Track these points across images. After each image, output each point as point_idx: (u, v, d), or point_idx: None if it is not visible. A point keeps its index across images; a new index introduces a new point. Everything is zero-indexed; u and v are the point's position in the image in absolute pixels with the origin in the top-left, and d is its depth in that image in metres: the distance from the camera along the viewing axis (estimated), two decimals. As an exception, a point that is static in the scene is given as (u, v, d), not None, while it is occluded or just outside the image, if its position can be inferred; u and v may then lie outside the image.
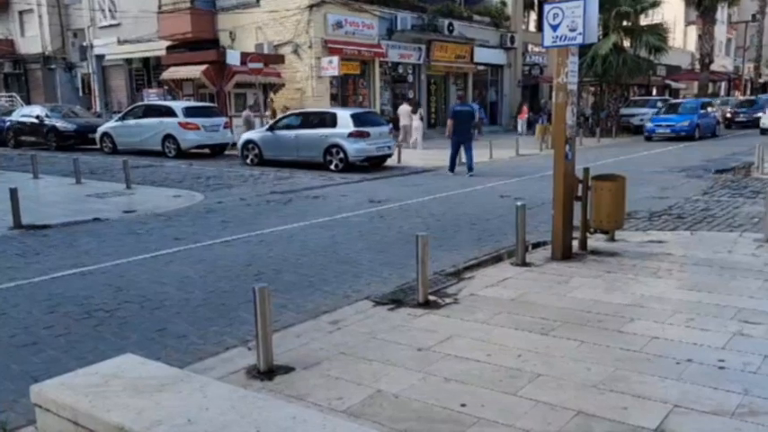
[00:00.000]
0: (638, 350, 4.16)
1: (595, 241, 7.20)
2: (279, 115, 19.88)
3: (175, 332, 4.91)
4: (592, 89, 33.29)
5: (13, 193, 8.97)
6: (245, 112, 20.51)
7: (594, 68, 26.98)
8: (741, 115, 32.87)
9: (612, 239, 7.32)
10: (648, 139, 25.66)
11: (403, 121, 23.17)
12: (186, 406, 2.54)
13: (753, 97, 39.27)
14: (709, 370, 3.85)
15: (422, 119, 23.46)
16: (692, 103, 28.26)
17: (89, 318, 5.24)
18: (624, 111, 30.66)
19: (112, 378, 2.80)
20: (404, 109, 23.59)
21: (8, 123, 23.29)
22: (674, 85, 45.49)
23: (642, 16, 28.85)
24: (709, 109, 28.10)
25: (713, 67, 41.86)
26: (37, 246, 7.89)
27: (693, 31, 46.70)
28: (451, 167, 15.32)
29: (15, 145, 22.76)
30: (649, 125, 26.33)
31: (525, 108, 30.67)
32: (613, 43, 26.82)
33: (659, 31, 28.97)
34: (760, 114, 29.35)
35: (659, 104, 30.32)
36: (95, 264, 6.95)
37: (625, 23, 28.19)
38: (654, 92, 42.41)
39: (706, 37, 37.96)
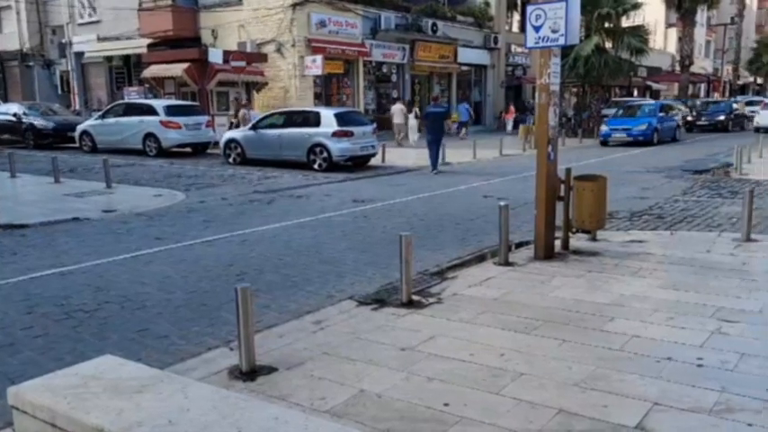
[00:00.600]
0: (618, 349, 4.20)
1: (577, 241, 7.25)
2: (241, 115, 19.83)
3: (156, 333, 4.87)
4: (574, 90, 33.52)
5: (-9, 191, 8.83)
6: (242, 111, 20.22)
7: (577, 69, 27.19)
8: (703, 118, 31.30)
9: (594, 239, 7.39)
10: (604, 144, 23.46)
11: (396, 120, 23.28)
12: (167, 407, 2.52)
13: (716, 98, 38.65)
14: (688, 368, 3.89)
15: (417, 117, 23.65)
16: (651, 106, 26.47)
17: (68, 318, 5.17)
18: (606, 111, 30.92)
19: (92, 379, 2.76)
20: (397, 108, 23.76)
21: (-16, 121, 22.92)
22: (654, 86, 46.03)
23: (624, 18, 29.11)
24: (671, 112, 27.01)
25: (693, 68, 42.41)
26: (14, 246, 7.77)
27: (674, 34, 47.30)
28: (434, 167, 15.58)
29: (-8, 143, 22.42)
30: (604, 129, 24.02)
31: (512, 108, 30.91)
32: (595, 44, 27.05)
33: (640, 32, 29.30)
34: (721, 117, 28.91)
35: (617, 107, 28.53)
36: (75, 264, 6.86)
37: (607, 25, 28.44)
38: (635, 93, 42.87)
39: (686, 39, 38.48)
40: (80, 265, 6.79)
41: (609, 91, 37.07)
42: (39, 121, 21.57)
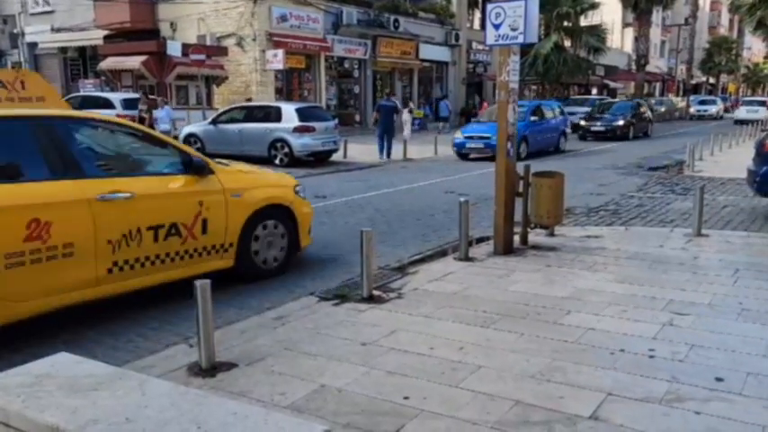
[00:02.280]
0: (574, 341, 4.31)
1: (536, 236, 7.39)
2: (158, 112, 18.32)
3: (112, 330, 4.78)
4: (534, 87, 34.06)
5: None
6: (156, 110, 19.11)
7: (536, 67, 27.72)
8: (598, 123, 25.71)
9: (552, 234, 7.54)
10: (462, 156, 18.14)
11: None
12: (124, 404, 2.48)
13: (611, 99, 33.23)
14: (641, 359, 4.02)
15: (411, 112, 24.43)
16: (520, 108, 18.93)
17: (21, 316, 5.04)
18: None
19: (46, 377, 2.70)
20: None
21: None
22: (611, 84, 47.10)
23: (582, 17, 29.75)
24: (550, 115, 20.41)
25: (649, 68, 43.53)
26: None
27: (630, 33, 48.49)
28: (381, 154, 17.34)
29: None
30: (458, 138, 18.41)
31: (485, 104, 31.21)
32: (554, 43, 27.62)
33: (598, 32, 30.01)
34: (620, 122, 24.99)
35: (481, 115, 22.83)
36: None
37: (566, 24, 29.05)
38: (594, 91, 43.77)
39: (642, 39, 39.45)
40: None
41: (567, 89, 37.82)
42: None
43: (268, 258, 6.10)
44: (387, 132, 17.65)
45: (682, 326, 4.59)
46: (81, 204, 4.65)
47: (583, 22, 30.65)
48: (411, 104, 25.78)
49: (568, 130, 22.09)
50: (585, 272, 6.04)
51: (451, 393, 3.56)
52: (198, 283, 3.78)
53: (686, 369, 3.86)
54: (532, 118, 18.96)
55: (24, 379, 2.69)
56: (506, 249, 6.75)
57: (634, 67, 43.81)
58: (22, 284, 4.36)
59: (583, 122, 26.02)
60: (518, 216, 7.01)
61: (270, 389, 3.61)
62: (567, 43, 29.73)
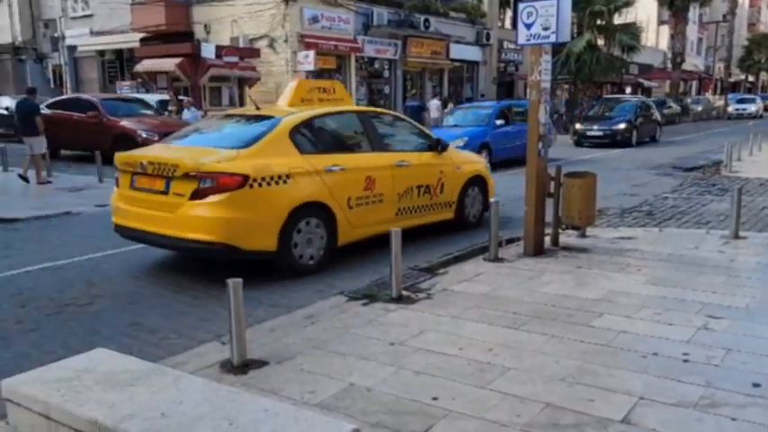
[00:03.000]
0: (605, 344, 4.26)
1: (567, 237, 7.32)
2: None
3: (149, 327, 4.90)
4: (566, 86, 33.66)
5: (-18, 185, 8.83)
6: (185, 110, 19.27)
7: (569, 66, 27.33)
8: (595, 127, 22.05)
9: (584, 236, 7.46)
10: None
11: (433, 114, 23.68)
12: (159, 399, 2.55)
13: (620, 97, 29.83)
14: (674, 363, 3.96)
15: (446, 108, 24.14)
16: (484, 111, 16.64)
17: (60, 312, 5.20)
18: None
19: (85, 372, 2.79)
20: (434, 103, 24.43)
21: (-25, 115, 22.75)
22: (646, 83, 46.27)
23: (616, 15, 29.24)
24: (516, 119, 16.34)
25: (685, 66, 42.69)
26: (7, 239, 7.76)
27: (666, 31, 47.50)
28: None
29: (-17, 136, 22.24)
30: None
31: None
32: (587, 42, 27.19)
33: (632, 30, 29.47)
34: (621, 126, 21.53)
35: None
36: (67, 258, 6.87)
37: (599, 22, 28.58)
38: (628, 90, 43.05)
39: (678, 36, 38.70)
40: (73, 259, 6.80)
41: (600, 88, 37.29)
42: (30, 115, 21.42)
43: (473, 213, 8.50)
44: None
45: (717, 330, 4.51)
46: (387, 169, 7.04)
47: (617, 20, 30.13)
48: (450, 105, 25.60)
49: (551, 136, 16.44)
50: (617, 274, 5.97)
51: (480, 394, 3.55)
52: (230, 281, 3.85)
53: (721, 374, 3.79)
54: (498, 122, 15.84)
55: (64, 373, 2.79)
56: (537, 250, 6.71)
57: (670, 65, 43.00)
58: (358, 218, 6.68)
59: (578, 126, 22.34)
60: (549, 217, 6.96)
61: (300, 387, 3.66)
62: (601, 42, 29.26)
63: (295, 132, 6.37)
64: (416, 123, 8.66)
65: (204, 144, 6.56)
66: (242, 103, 22.78)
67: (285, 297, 5.56)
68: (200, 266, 6.56)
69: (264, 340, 4.36)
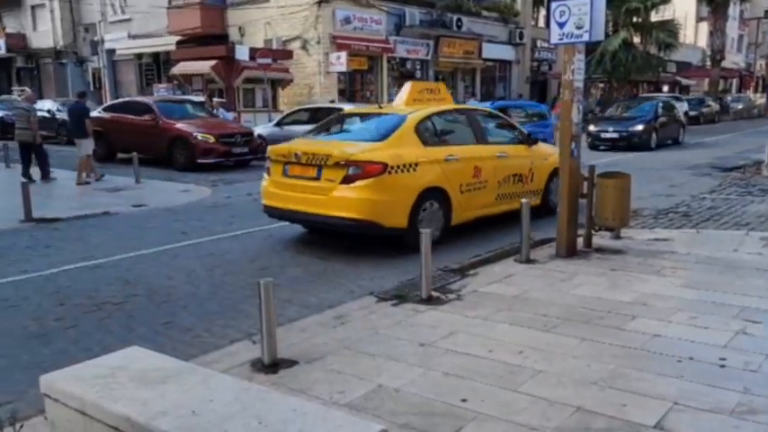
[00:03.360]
0: (639, 348, 4.19)
1: (600, 239, 7.21)
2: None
3: (182, 325, 4.98)
4: (600, 85, 33.17)
5: (25, 186, 9.11)
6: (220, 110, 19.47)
7: (604, 65, 26.90)
8: (611, 129, 20.22)
9: (618, 237, 7.33)
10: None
11: None
12: (190, 398, 2.60)
13: (646, 96, 27.68)
14: (710, 368, 3.87)
15: None
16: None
17: (97, 310, 5.32)
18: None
19: (119, 370, 2.86)
20: (471, 103, 24.46)
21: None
22: (684, 81, 45.28)
23: (653, 12, 28.71)
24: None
25: (725, 63, 41.64)
26: (47, 239, 7.98)
27: (705, 28, 46.41)
28: None
29: (26, 139, 22.87)
30: None
31: (560, 102, 30.61)
32: (623, 40, 26.75)
33: (670, 27, 28.90)
34: (639, 127, 19.95)
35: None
36: (105, 257, 7.03)
37: (635, 20, 28.11)
38: (665, 89, 42.22)
39: (717, 33, 37.77)
40: (109, 259, 6.96)
41: (636, 87, 36.64)
42: (71, 118, 21.97)
43: (554, 201, 8.64)
44: None
45: (756, 334, 4.39)
46: (490, 159, 7.98)
47: (654, 17, 29.59)
48: (488, 104, 25.88)
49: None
50: (652, 276, 5.86)
51: (510, 397, 3.53)
52: (261, 281, 3.89)
53: (760, 380, 3.69)
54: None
55: (100, 371, 2.85)
56: (569, 252, 6.62)
57: (709, 62, 41.99)
58: (468, 202, 7.63)
59: (592, 127, 20.40)
60: (582, 218, 6.86)
61: (329, 387, 3.68)
62: (637, 39, 28.76)
63: (419, 127, 7.37)
64: (509, 119, 9.96)
65: (345, 138, 7.69)
66: (275, 105, 23.00)
67: (316, 297, 5.60)
68: (232, 267, 6.66)
69: (295, 340, 4.40)
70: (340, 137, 7.79)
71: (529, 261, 6.41)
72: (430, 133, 7.61)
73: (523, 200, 6.54)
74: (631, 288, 5.50)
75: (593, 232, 7.04)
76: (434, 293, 5.34)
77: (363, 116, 8.56)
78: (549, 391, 3.59)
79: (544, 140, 17.93)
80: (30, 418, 3.25)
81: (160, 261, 6.93)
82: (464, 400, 3.48)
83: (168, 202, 10.66)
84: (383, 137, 7.11)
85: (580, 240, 6.90)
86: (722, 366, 3.89)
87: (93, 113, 15.57)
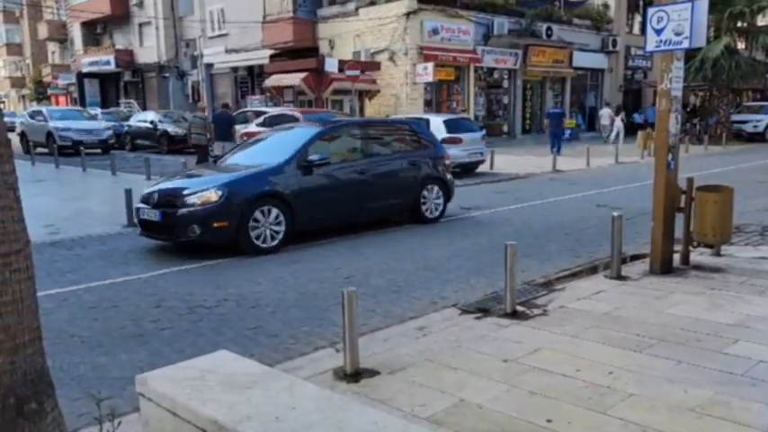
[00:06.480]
0: (741, 374, 3.91)
1: (699, 256, 6.81)
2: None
3: (268, 331, 5.12)
4: (700, 93, 31.48)
5: (128, 193, 9.68)
6: None
7: (704, 72, 25.48)
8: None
9: (718, 254, 6.91)
10: None
11: (603, 122, 27.57)
12: (275, 404, 2.65)
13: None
14: (823, 400, 3.55)
15: (623, 121, 26.27)
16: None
17: (191, 313, 5.56)
18: (736, 117, 28.69)
19: (208, 373, 2.96)
20: (605, 111, 27.98)
21: (126, 128, 25.12)
22: (794, 89, 42.12)
23: (759, 16, 26.95)
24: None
25: (843, 69, 38.38)
26: (146, 243, 8.43)
27: (819, 31, 43.01)
28: (552, 149, 20.23)
29: (132, 148, 24.44)
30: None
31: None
32: (725, 45, 25.22)
33: (779, 31, 27.01)
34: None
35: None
36: (197, 261, 7.34)
37: (739, 24, 26.49)
38: (772, 96, 39.44)
39: (832, 36, 34.92)
40: (202, 263, 7.26)
41: (740, 95, 34.50)
42: (171, 128, 23.28)
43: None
44: (554, 135, 21.06)
45: None
46: None
47: (760, 21, 27.78)
48: (623, 114, 27.17)
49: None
50: (757, 297, 5.47)
51: (598, 420, 3.38)
52: (344, 291, 3.93)
53: None
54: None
55: (190, 373, 2.97)
56: (664, 269, 6.30)
57: (824, 68, 38.90)
58: None
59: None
60: (678, 233, 6.51)
61: (410, 399, 3.66)
62: (741, 45, 27.09)
63: None
64: None
65: None
66: (362, 115, 23.33)
67: (398, 307, 5.61)
68: (317, 275, 6.78)
69: (377, 349, 4.42)
70: None
71: (620, 277, 6.15)
72: None
73: (615, 213, 6.27)
74: (733, 309, 5.16)
75: (690, 248, 6.67)
76: (519, 308, 5.22)
77: None
78: (641, 415, 3.41)
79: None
80: (126, 415, 3.43)
81: (248, 268, 7.15)
82: (549, 421, 3.37)
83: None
84: None
85: (676, 257, 6.55)
86: (838, 399, 3.57)
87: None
